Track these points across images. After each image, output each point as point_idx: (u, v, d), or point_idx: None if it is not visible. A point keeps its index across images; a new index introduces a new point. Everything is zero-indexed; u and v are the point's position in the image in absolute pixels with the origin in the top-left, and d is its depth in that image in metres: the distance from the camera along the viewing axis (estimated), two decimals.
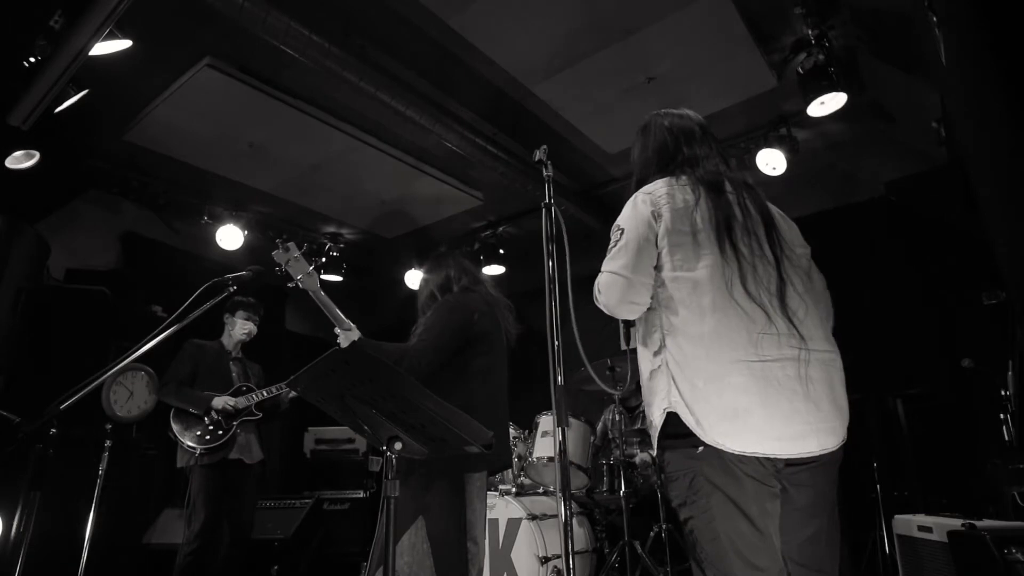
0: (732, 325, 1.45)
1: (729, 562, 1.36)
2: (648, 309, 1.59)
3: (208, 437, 3.46)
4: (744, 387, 1.40)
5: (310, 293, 2.22)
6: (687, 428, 1.42)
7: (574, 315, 1.83)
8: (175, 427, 3.49)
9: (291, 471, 5.97)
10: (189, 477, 3.45)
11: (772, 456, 1.39)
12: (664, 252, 1.55)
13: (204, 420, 3.49)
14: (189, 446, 3.44)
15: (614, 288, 1.57)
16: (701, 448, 1.40)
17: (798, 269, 1.59)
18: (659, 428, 1.49)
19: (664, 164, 1.72)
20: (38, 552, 2.35)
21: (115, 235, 5.17)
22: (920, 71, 3.43)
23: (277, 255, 2.19)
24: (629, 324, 1.83)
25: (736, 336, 1.44)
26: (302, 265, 2.21)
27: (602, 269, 1.62)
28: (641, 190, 1.65)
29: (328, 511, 5.01)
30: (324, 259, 5.87)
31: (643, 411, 4.15)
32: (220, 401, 3.53)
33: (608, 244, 1.63)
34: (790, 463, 1.42)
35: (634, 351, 1.76)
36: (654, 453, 1.63)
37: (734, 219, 1.57)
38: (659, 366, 1.52)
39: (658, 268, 1.56)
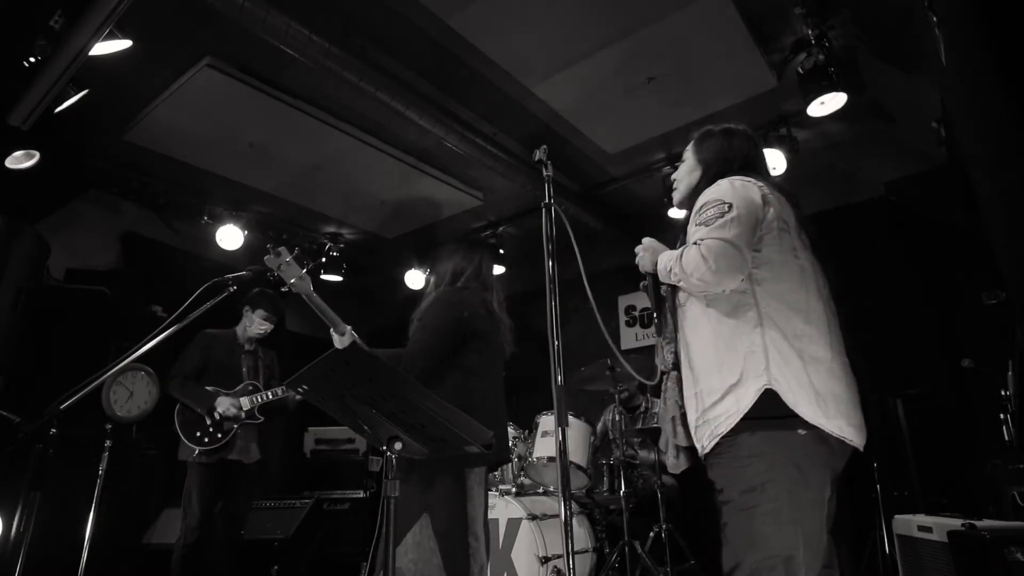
0: (827, 316, 1.57)
1: (788, 545, 1.39)
2: (737, 290, 1.58)
3: (207, 440, 3.43)
4: (839, 376, 1.50)
5: (303, 297, 2.21)
6: (785, 408, 1.44)
7: (596, 308, 1.85)
8: (178, 424, 3.47)
9: (291, 471, 5.97)
10: (188, 471, 3.45)
11: (851, 442, 1.48)
12: (773, 235, 1.60)
13: (206, 420, 3.48)
14: (188, 447, 3.43)
15: (726, 256, 1.52)
16: (804, 431, 1.44)
17: None
18: (748, 407, 1.48)
19: (744, 165, 1.79)
20: (38, 552, 2.35)
21: (115, 235, 5.17)
22: (920, 71, 3.43)
23: (269, 260, 2.18)
24: (662, 312, 1.84)
25: (829, 328, 1.55)
26: (294, 269, 2.20)
27: (706, 236, 1.56)
28: (735, 176, 1.70)
29: (328, 511, 5.01)
30: (324, 259, 5.86)
31: (643, 408, 4.15)
32: (224, 404, 3.46)
33: (708, 216, 1.60)
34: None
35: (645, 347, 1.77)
36: (681, 444, 1.65)
37: (808, 227, 1.69)
38: (755, 344, 1.52)
39: (759, 250, 1.59)
